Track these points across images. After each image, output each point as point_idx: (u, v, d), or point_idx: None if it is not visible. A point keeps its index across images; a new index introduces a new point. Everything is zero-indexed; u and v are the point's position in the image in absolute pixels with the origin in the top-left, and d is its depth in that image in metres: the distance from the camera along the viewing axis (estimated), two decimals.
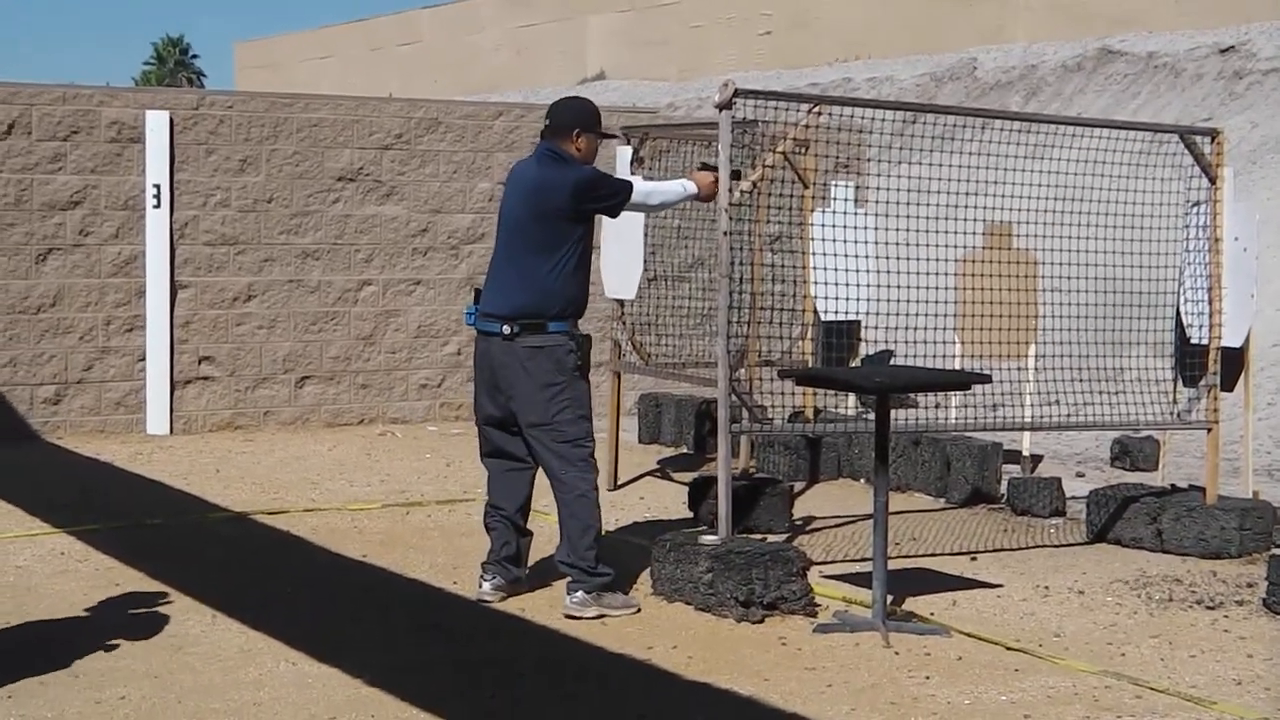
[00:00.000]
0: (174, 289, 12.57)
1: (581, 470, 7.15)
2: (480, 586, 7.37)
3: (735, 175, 7.56)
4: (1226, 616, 7.28)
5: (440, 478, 10.77)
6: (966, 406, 10.68)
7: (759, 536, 8.44)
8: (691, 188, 7.46)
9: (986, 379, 7.38)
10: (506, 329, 7.08)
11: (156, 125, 12.44)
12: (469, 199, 13.66)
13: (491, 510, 7.43)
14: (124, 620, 6.94)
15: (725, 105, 7.48)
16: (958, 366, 10.15)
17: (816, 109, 7.95)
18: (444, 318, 13.57)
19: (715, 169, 7.48)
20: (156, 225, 12.47)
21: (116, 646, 6.47)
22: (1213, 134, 8.96)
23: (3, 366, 12.08)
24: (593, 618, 7.03)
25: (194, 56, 74.82)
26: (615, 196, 7.24)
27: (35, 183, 12.12)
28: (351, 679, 6.08)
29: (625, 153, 10.25)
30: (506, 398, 7.15)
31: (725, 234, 7.53)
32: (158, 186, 12.46)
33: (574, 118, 7.28)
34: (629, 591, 7.40)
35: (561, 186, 7.05)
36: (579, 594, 7.11)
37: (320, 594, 7.52)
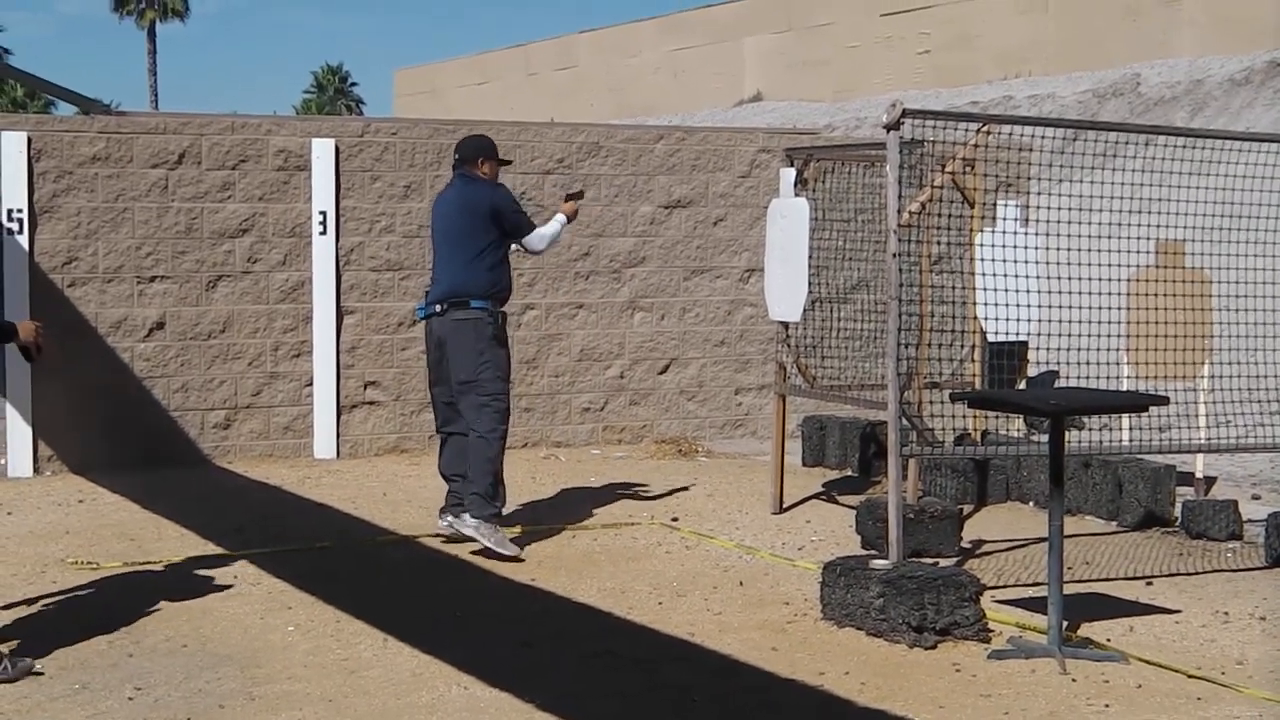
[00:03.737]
0: (340, 315, 12.72)
1: (493, 421, 8.91)
2: (440, 523, 9.25)
3: (578, 195, 9.62)
4: None
5: (604, 501, 10.77)
6: (1139, 429, 10.47)
7: (929, 561, 8.34)
8: (562, 219, 9.41)
9: (1164, 400, 7.23)
10: (439, 307, 8.98)
11: (322, 153, 12.61)
12: (630, 223, 13.68)
13: (447, 475, 9.24)
14: (297, 643, 7.01)
15: (893, 126, 7.41)
16: (1127, 387, 9.96)
17: (986, 128, 7.85)
18: (606, 341, 13.59)
19: (578, 195, 9.60)
20: (323, 252, 12.64)
21: (291, 670, 6.54)
22: None
23: (175, 392, 12.30)
24: (468, 536, 8.86)
25: (353, 84, 75.94)
26: (515, 230, 9.13)
27: (205, 211, 12.34)
28: (523, 704, 6.08)
29: (789, 175, 10.19)
30: (447, 364, 8.97)
31: (894, 256, 7.45)
32: (324, 213, 12.62)
33: (478, 149, 9.28)
34: None
35: (484, 199, 9.05)
36: (469, 518, 8.84)
37: (489, 617, 7.53)
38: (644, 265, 13.67)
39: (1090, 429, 12.42)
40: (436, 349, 9.07)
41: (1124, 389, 9.94)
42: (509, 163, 9.88)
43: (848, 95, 25.28)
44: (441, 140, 13.00)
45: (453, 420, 9.13)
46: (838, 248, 11.52)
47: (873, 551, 8.56)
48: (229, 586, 8.09)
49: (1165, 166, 8.66)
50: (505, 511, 9.26)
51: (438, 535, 9.34)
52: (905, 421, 7.59)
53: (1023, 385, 11.21)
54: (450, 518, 9.18)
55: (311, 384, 12.63)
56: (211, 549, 9.02)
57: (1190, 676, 6.52)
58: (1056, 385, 12.19)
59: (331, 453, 12.64)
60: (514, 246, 9.24)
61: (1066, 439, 8.87)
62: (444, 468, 9.28)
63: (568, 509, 10.44)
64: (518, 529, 9.66)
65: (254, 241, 12.46)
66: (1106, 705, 6.10)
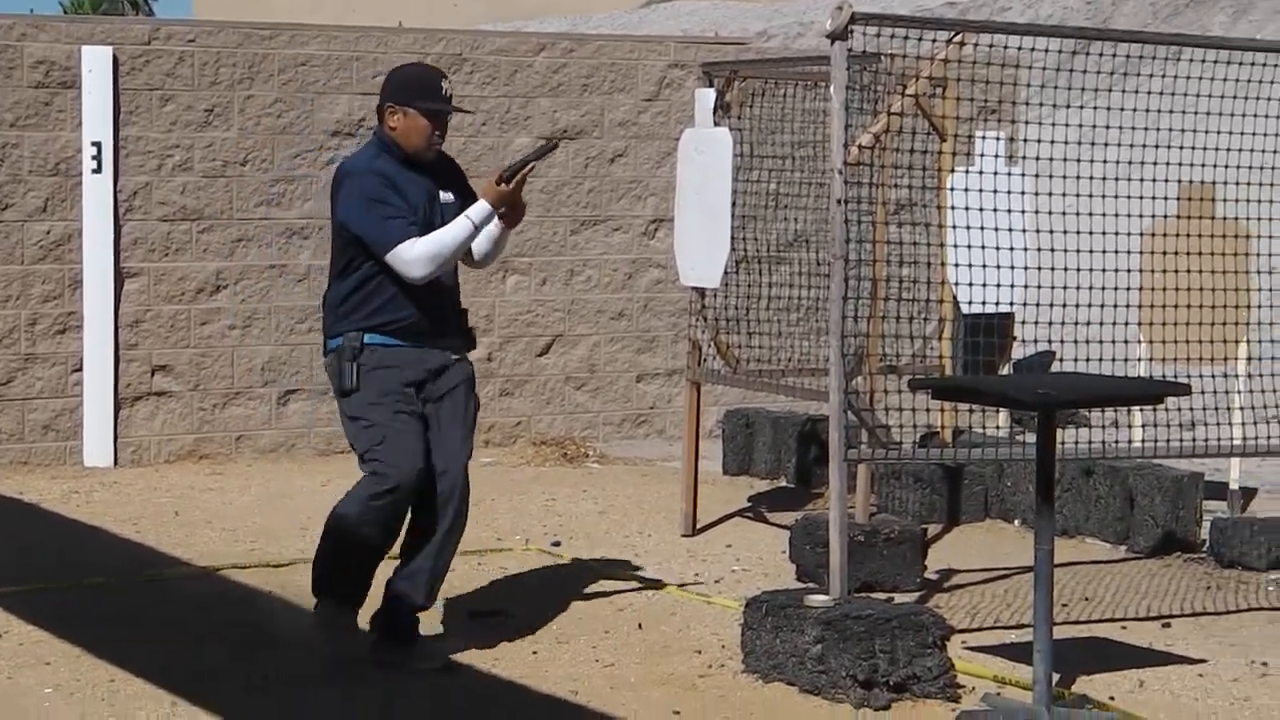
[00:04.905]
0: (120, 279, 12.66)
1: (363, 482, 7.73)
2: None
3: (548, 149, 8.06)
4: None
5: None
6: (1155, 425, 10.60)
7: (883, 596, 8.43)
8: (482, 210, 7.73)
9: (1185, 389, 7.34)
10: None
11: (96, 66, 12.53)
12: (503, 158, 13.70)
13: None
14: (58, 711, 6.98)
15: (840, 35, 7.49)
16: (1143, 373, 10.08)
17: (960, 38, 7.94)
18: (471, 312, 13.55)
19: (513, 172, 7.68)
20: (97, 196, 12.56)
21: None
22: None
23: None
24: None
25: None
26: (375, 240, 7.61)
27: None
28: None
29: (707, 97, 10.25)
30: None
31: (840, 202, 7.52)
32: (98, 145, 12.55)
33: (386, 90, 7.76)
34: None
35: (340, 193, 7.74)
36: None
37: (313, 675, 7.54)
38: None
39: (1095, 426, 12.57)
40: None
41: (1137, 375, 10.09)
42: (455, 110, 7.98)
43: None
44: (254, 49, 12.97)
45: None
46: (770, 192, 11.60)
47: (810, 585, 8.64)
48: None
49: (1197, 88, 8.77)
50: None
51: (251, 566, 9.33)
52: (852, 417, 7.66)
53: (1007, 370, 11.34)
54: None
55: (81, 369, 12.57)
56: None
57: None
58: (1051, 370, 12.33)
59: (107, 459, 12.58)
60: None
61: (1061, 439, 8.97)
62: None
63: None
64: None
65: (3, 181, 12.37)
66: None
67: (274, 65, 13.06)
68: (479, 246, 7.92)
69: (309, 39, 13.25)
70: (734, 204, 10.22)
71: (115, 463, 12.61)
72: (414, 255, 7.52)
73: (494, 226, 7.81)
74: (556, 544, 10.17)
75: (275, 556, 9.74)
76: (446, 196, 7.78)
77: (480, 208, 7.69)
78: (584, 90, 13.98)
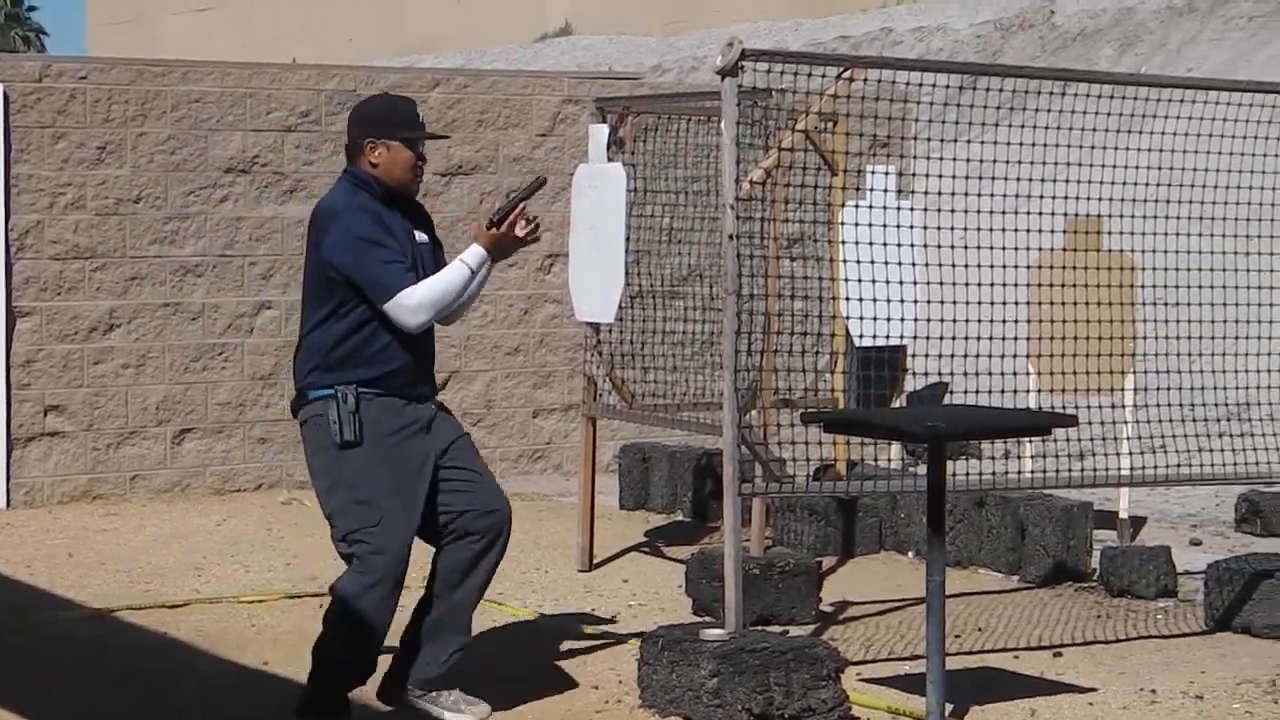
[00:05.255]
0: (11, 318, 12.59)
1: (350, 576, 7.18)
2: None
3: (535, 186, 7.49)
4: None
5: None
6: (1046, 456, 10.72)
7: (779, 629, 8.47)
8: (477, 255, 7.31)
9: (1073, 421, 7.43)
10: (294, 404, 7.38)
11: None
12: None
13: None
14: None
15: (730, 71, 7.54)
16: (1033, 404, 10.18)
17: (849, 73, 8.00)
18: None
19: (503, 214, 7.35)
20: None
21: None
22: None
23: None
24: None
25: (31, 9, 74.73)
26: (371, 285, 7.11)
27: None
28: None
29: (601, 133, 10.29)
30: None
31: (732, 237, 7.57)
32: None
33: (364, 124, 7.30)
34: None
35: (329, 235, 7.15)
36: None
37: (212, 714, 7.52)
38: None
39: (988, 458, 12.67)
40: None
41: (1026, 406, 10.19)
42: (442, 137, 8.11)
43: (682, 28, 25.51)
44: (147, 86, 12.94)
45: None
46: (664, 227, 11.66)
47: (707, 619, 8.68)
48: None
49: (1083, 122, 8.87)
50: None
51: (146, 607, 9.30)
52: (746, 451, 7.71)
53: (901, 402, 11.43)
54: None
55: None
56: None
57: None
58: (945, 402, 12.43)
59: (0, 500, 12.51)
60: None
61: (954, 470, 9.06)
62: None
63: (311, 569, 10.43)
64: (255, 600, 9.65)
65: None
66: None
67: (167, 102, 13.03)
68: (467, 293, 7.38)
69: (202, 75, 13.23)
70: (628, 239, 10.26)
71: (8, 504, 12.53)
72: (414, 303, 7.07)
73: (483, 272, 7.34)
74: None
75: (170, 597, 9.71)
76: (421, 236, 7.35)
77: (475, 252, 7.27)
78: (479, 126, 14.01)
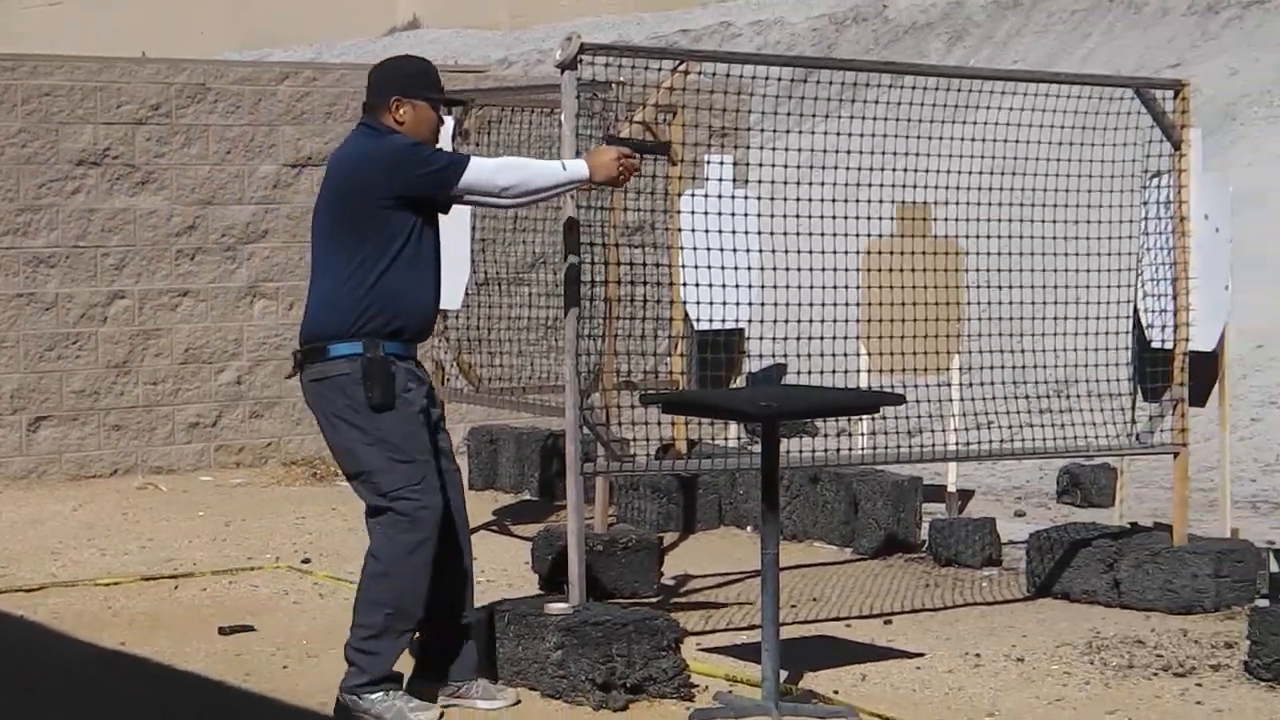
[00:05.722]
0: None
1: (389, 532, 7.00)
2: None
3: (659, 150, 7.43)
4: (1199, 685, 7.53)
5: (218, 540, 10.80)
6: (878, 434, 10.89)
7: (622, 603, 8.59)
8: (579, 169, 7.20)
9: (900, 400, 7.58)
10: (293, 359, 7.18)
11: None
12: (248, 186, 13.70)
13: None
14: None
15: (569, 64, 7.62)
16: (865, 384, 10.34)
17: (683, 66, 8.10)
18: (219, 337, 13.59)
19: (629, 143, 7.26)
20: None
21: None
22: (1176, 87, 9.24)
23: None
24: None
25: None
26: (439, 168, 7.04)
27: None
28: None
29: (446, 124, 10.33)
30: None
31: (572, 225, 7.66)
32: None
33: (389, 83, 7.21)
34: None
35: (370, 160, 7.01)
36: (349, 692, 7.03)
37: (64, 700, 7.54)
38: (266, 240, 13.71)
39: (826, 436, 12.86)
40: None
41: (858, 386, 10.35)
42: (459, 103, 7.79)
43: (527, 22, 25.55)
44: None
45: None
46: (509, 216, 11.74)
47: (551, 593, 8.78)
48: None
49: (914, 113, 9.00)
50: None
51: (3, 591, 9.30)
52: (588, 431, 7.82)
53: (740, 383, 11.57)
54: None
55: None
56: None
57: None
58: (783, 382, 12.59)
59: None
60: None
61: (791, 448, 9.19)
62: None
63: (170, 553, 10.45)
64: (111, 582, 9.66)
65: None
66: None
67: (17, 95, 12.95)
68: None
69: (53, 69, 13.15)
70: (474, 227, 10.34)
71: None
72: (496, 164, 7.07)
73: (571, 180, 7.21)
74: (307, 561, 10.23)
75: (26, 581, 9.68)
76: None
77: (577, 162, 7.23)
78: (327, 118, 14.01)
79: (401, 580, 6.99)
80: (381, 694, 6.97)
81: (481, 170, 7.05)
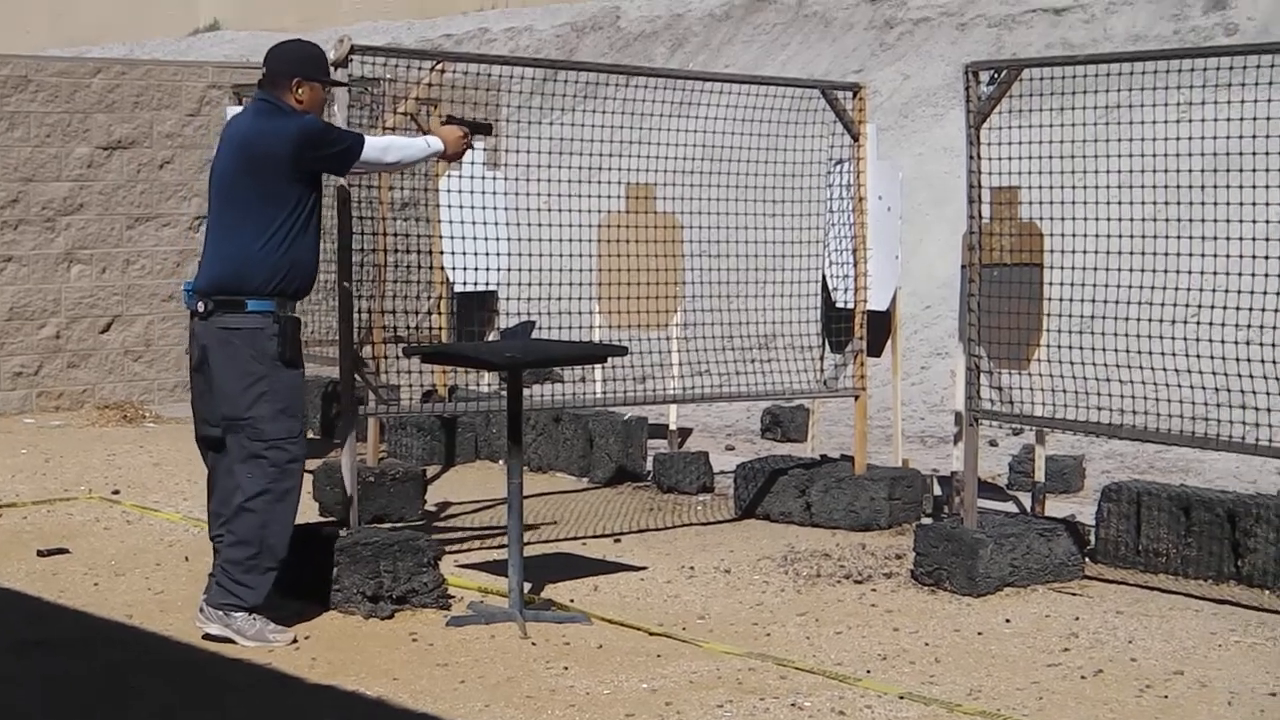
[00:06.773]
0: None
1: (271, 476, 6.81)
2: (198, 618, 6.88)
3: (483, 129, 7.49)
4: (874, 590, 7.67)
5: (38, 475, 10.57)
6: (611, 380, 10.93)
7: (390, 526, 8.55)
8: (436, 144, 7.27)
9: (623, 351, 7.62)
10: (202, 306, 6.83)
11: None
12: (65, 165, 13.38)
13: (213, 518, 7.07)
14: None
15: (342, 63, 7.54)
16: (599, 338, 10.40)
17: (440, 66, 8.06)
18: (40, 297, 13.27)
19: (463, 122, 7.37)
20: None
21: None
22: (855, 89, 9.38)
23: None
24: (217, 636, 6.79)
25: None
26: (343, 149, 6.95)
27: None
28: None
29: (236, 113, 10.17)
30: (211, 380, 6.91)
31: (345, 202, 7.62)
32: None
33: (292, 64, 6.96)
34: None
35: (281, 137, 6.78)
36: (207, 608, 6.83)
37: None
38: (81, 213, 13.41)
39: (570, 382, 12.88)
40: (200, 353, 6.98)
41: (595, 339, 10.39)
42: (343, 85, 7.53)
43: (314, 25, 25.18)
44: None
45: (221, 449, 6.99)
46: None
47: (331, 519, 8.71)
48: None
49: (643, 108, 9.05)
50: None
51: None
52: (359, 379, 7.76)
53: (494, 337, 11.55)
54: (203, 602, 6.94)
55: None
56: None
57: (651, 634, 6.92)
58: (531, 337, 12.59)
59: None
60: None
61: (536, 393, 9.21)
62: (211, 514, 7.13)
63: None
64: None
65: None
66: (566, 667, 6.43)
67: None
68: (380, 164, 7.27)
69: None
70: None
71: None
72: (383, 144, 7.11)
73: (427, 154, 7.32)
74: (116, 492, 10.04)
75: None
76: None
77: (435, 139, 7.30)
78: (135, 107, 13.72)
79: (270, 521, 6.83)
80: (245, 614, 6.80)
81: (373, 148, 7.06)
